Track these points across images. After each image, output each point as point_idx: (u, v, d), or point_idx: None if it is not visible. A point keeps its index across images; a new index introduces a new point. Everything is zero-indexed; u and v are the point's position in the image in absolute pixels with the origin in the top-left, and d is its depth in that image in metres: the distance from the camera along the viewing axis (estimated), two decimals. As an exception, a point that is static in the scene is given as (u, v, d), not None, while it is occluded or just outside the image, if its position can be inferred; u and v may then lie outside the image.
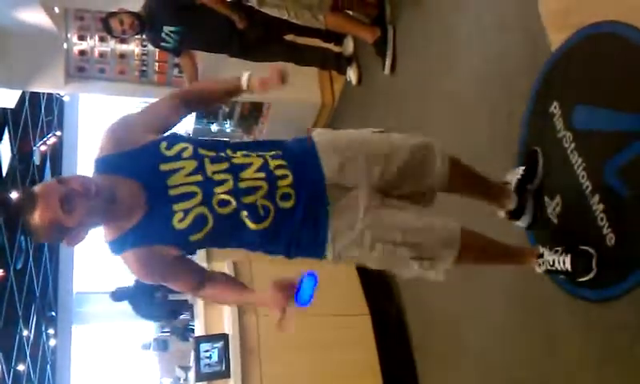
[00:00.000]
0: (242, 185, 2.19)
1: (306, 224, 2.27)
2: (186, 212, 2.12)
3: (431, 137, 2.54)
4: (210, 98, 2.56)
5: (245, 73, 2.41)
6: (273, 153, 2.30)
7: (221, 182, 2.17)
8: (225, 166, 2.21)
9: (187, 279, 2.33)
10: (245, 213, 2.19)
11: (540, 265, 2.60)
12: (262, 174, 2.22)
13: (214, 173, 2.19)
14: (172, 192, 2.14)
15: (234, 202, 2.17)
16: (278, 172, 2.25)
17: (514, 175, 2.86)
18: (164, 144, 2.21)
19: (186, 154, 2.20)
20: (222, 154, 2.25)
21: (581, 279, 2.50)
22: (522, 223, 2.89)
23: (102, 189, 2.06)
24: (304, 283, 2.16)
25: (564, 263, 2.50)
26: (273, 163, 2.26)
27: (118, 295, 7.16)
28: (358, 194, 2.33)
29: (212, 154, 2.24)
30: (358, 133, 2.52)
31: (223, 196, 2.16)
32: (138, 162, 2.18)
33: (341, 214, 2.31)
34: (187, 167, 2.18)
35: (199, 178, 2.17)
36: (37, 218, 2.00)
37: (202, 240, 2.18)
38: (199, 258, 4.85)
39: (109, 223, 2.15)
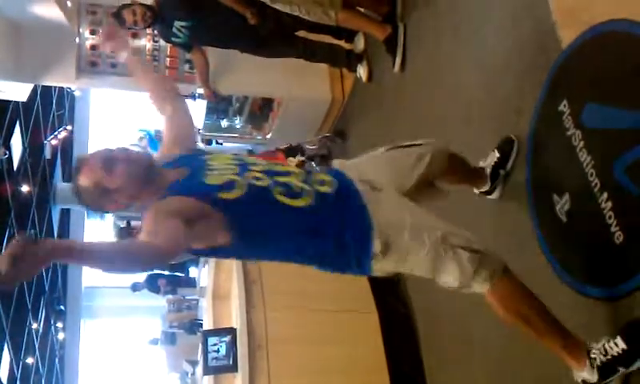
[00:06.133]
0: (276, 171, 2.38)
1: (348, 218, 2.31)
2: (220, 175, 2.28)
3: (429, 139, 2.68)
4: None
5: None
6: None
7: (256, 164, 2.38)
8: (262, 165, 2.42)
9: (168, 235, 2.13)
10: (279, 189, 2.27)
11: (592, 360, 2.27)
12: (297, 169, 2.47)
13: (252, 164, 2.39)
14: (210, 166, 2.34)
15: (267, 179, 2.29)
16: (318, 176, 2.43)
17: (490, 161, 3.14)
18: None
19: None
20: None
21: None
22: (494, 197, 3.19)
23: (142, 158, 2.28)
24: None
25: (617, 345, 2.22)
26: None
27: None
28: (390, 192, 2.46)
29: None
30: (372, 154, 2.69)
31: (257, 174, 2.31)
32: (187, 157, 2.45)
33: (380, 207, 2.35)
34: (227, 158, 2.41)
35: (237, 162, 2.37)
36: (82, 179, 2.21)
37: (231, 202, 2.20)
38: (210, 266, 4.88)
39: (144, 196, 2.26)
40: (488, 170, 3.15)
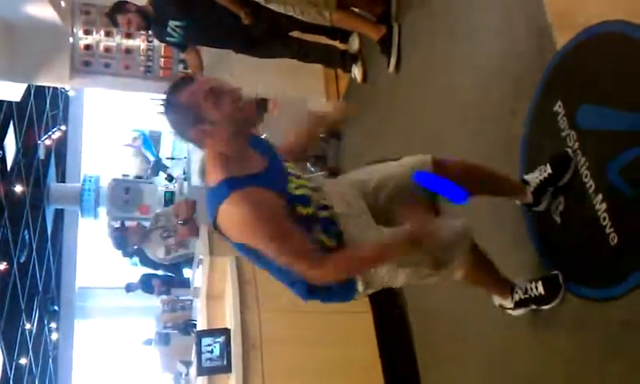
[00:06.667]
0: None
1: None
2: (298, 187, 2.33)
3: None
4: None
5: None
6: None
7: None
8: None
9: (304, 239, 2.24)
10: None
11: (514, 295, 2.81)
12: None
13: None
14: (290, 171, 2.39)
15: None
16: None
17: (538, 176, 2.78)
18: None
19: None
20: None
21: (553, 302, 2.69)
22: (539, 209, 2.87)
23: (248, 108, 2.23)
24: (433, 183, 2.41)
25: (536, 289, 2.72)
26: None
27: (127, 251, 7.62)
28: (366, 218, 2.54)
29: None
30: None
31: (321, 202, 2.42)
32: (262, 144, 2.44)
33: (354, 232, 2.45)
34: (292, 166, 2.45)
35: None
36: (184, 94, 2.15)
37: (305, 217, 2.29)
38: (202, 251, 4.86)
39: (228, 155, 2.21)
40: (532, 187, 2.80)
